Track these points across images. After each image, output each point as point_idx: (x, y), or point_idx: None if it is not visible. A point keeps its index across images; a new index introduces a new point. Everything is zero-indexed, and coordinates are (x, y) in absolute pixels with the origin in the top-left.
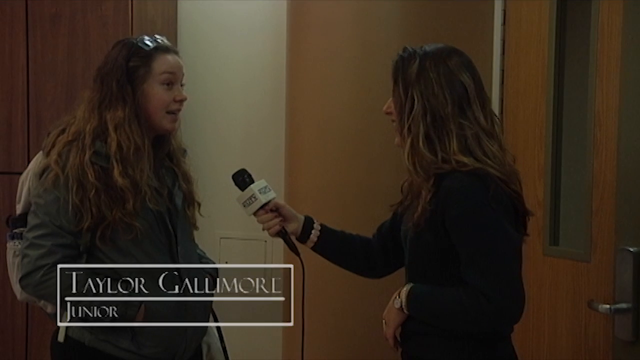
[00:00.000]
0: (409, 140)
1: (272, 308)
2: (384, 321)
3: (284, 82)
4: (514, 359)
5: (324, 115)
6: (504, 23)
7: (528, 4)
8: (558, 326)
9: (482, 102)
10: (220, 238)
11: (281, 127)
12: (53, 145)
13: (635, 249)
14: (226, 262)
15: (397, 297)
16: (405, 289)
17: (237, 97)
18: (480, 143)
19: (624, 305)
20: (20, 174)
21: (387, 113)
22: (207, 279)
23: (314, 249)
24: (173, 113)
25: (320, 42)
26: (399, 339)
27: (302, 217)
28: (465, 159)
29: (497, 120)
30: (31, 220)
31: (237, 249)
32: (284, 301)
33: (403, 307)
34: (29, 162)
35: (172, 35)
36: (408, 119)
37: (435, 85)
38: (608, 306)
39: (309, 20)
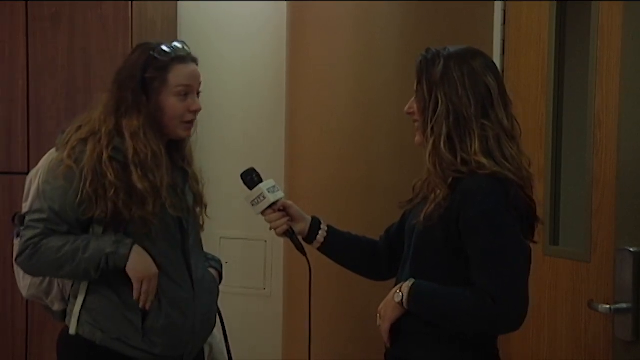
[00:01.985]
0: (431, 141)
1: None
2: (378, 315)
3: (284, 82)
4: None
5: (324, 115)
6: (504, 23)
7: (528, 4)
8: (558, 326)
9: (504, 104)
10: (220, 238)
11: (281, 127)
12: (67, 141)
13: (635, 249)
14: (226, 262)
15: (398, 291)
16: (407, 284)
17: (238, 98)
18: (500, 145)
19: (624, 305)
20: (20, 174)
21: (409, 113)
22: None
23: (320, 249)
24: (188, 122)
25: (321, 43)
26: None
27: (310, 218)
28: (484, 161)
29: (517, 123)
30: (34, 204)
31: (237, 249)
32: (283, 300)
33: (404, 301)
34: (29, 162)
35: (172, 36)
36: (432, 119)
37: (459, 87)
38: (608, 306)
39: (309, 22)
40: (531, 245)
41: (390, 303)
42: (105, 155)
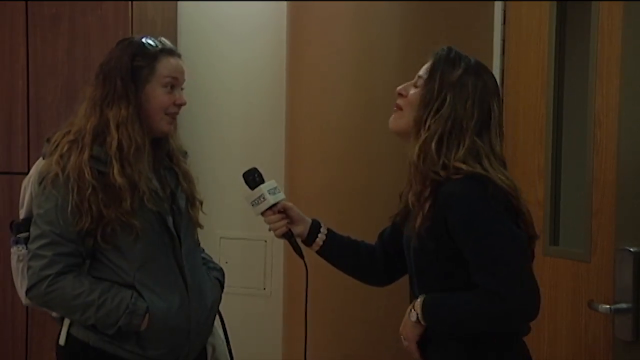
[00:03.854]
0: (424, 136)
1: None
2: (402, 337)
3: (284, 82)
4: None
5: (324, 115)
6: (504, 23)
7: (528, 4)
8: (558, 326)
9: (499, 132)
10: (220, 238)
11: (281, 127)
12: (56, 147)
13: (635, 249)
14: (226, 262)
15: (412, 310)
16: (419, 300)
17: (237, 98)
18: (489, 161)
19: (624, 305)
20: (20, 174)
21: (400, 94)
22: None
23: (318, 252)
24: (171, 115)
25: (320, 43)
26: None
27: (310, 220)
28: (463, 166)
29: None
30: (33, 231)
31: (237, 249)
32: (283, 301)
33: (420, 319)
34: (29, 162)
35: (172, 36)
36: (431, 117)
37: (469, 98)
38: (608, 306)
39: (308, 21)
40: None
41: (408, 323)
42: (84, 157)
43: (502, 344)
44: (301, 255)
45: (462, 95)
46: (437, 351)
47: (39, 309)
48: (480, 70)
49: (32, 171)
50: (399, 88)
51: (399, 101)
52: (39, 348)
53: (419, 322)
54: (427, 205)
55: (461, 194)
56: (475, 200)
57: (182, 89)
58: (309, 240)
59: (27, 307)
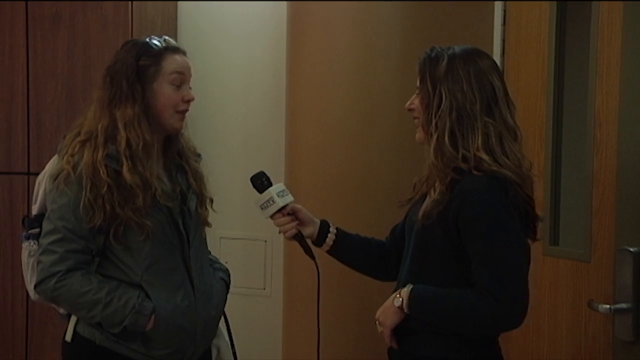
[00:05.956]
0: (435, 136)
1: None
2: (377, 322)
3: (284, 82)
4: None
5: (324, 115)
6: (504, 23)
7: (528, 4)
8: (558, 326)
9: (508, 105)
10: (220, 238)
11: (281, 127)
12: (68, 147)
13: (635, 249)
14: (226, 262)
15: (398, 296)
16: (406, 289)
17: (238, 98)
18: (502, 142)
19: (624, 305)
20: (20, 174)
21: (410, 109)
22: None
23: (329, 252)
24: (181, 112)
25: (321, 43)
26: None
27: (319, 221)
28: (485, 157)
29: (519, 128)
30: (45, 226)
31: (237, 249)
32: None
33: (404, 306)
34: (29, 162)
35: (172, 36)
36: (435, 115)
37: (464, 83)
38: (608, 306)
39: (309, 22)
40: (531, 244)
41: (390, 308)
42: (98, 156)
43: (479, 342)
44: (312, 257)
45: (455, 83)
46: (421, 346)
47: (43, 307)
48: (470, 54)
49: (47, 167)
50: (405, 105)
51: (414, 115)
52: (38, 347)
53: (402, 309)
54: (443, 191)
55: (481, 191)
56: (494, 201)
57: (190, 87)
58: (319, 240)
59: (27, 307)
